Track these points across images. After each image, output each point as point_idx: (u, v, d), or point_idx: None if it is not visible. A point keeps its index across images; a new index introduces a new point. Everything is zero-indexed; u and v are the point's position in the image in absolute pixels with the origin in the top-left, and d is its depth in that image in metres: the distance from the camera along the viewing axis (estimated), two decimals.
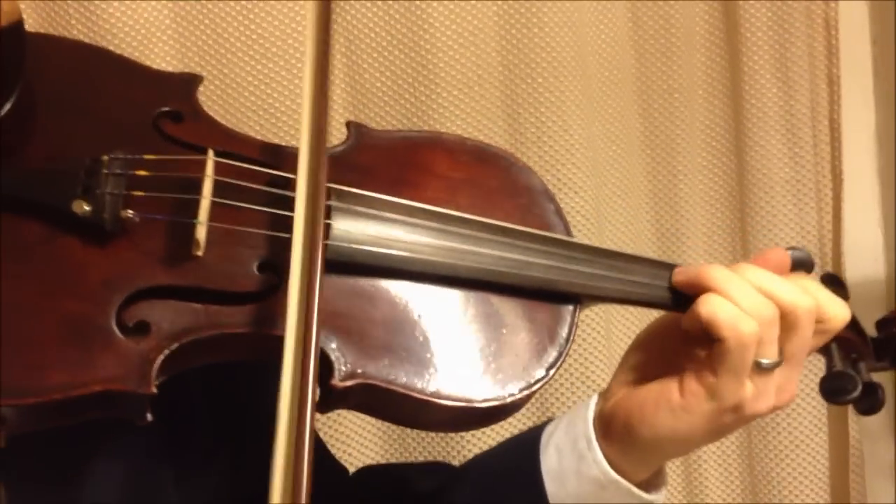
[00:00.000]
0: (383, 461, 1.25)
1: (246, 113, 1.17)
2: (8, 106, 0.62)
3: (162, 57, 1.12)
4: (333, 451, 1.03)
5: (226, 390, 0.78)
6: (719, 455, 1.41)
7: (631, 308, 1.30)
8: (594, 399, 0.76)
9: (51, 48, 0.74)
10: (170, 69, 1.07)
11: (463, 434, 1.24)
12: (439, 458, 1.26)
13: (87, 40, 1.07)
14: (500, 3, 1.23)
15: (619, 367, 0.77)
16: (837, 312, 0.72)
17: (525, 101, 1.24)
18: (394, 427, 1.25)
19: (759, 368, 0.68)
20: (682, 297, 0.72)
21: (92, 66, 0.73)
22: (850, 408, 1.36)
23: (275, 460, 0.54)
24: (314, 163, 0.62)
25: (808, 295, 0.69)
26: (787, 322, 0.69)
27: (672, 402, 0.70)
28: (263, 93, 1.17)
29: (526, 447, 0.77)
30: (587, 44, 1.27)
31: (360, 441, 1.24)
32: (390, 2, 1.20)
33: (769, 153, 1.35)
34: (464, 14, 1.21)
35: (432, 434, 1.26)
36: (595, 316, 1.27)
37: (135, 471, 0.73)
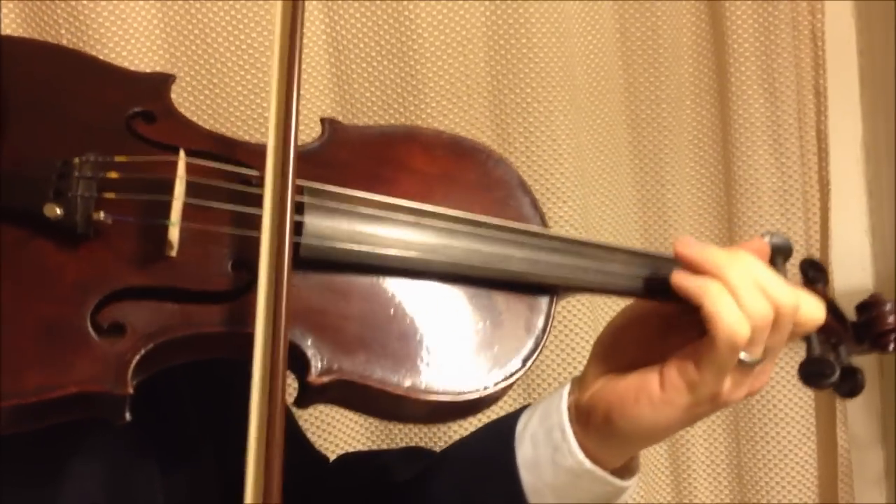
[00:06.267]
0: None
1: (232, 117, 1.17)
2: None
3: (150, 58, 1.12)
4: (318, 439, 1.03)
5: (209, 382, 0.78)
6: (708, 464, 1.41)
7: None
8: (567, 388, 0.76)
9: (19, 51, 0.74)
10: (158, 70, 1.07)
11: None
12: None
13: (73, 41, 1.08)
14: (488, 12, 1.23)
15: (592, 354, 0.77)
16: (813, 315, 0.72)
17: (513, 110, 1.24)
18: None
19: (742, 365, 0.69)
20: (659, 288, 0.72)
21: (62, 68, 0.73)
22: (839, 416, 1.38)
23: (247, 459, 0.54)
24: (282, 160, 0.62)
25: (794, 296, 0.70)
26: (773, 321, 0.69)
27: (653, 395, 0.70)
28: (251, 97, 1.17)
29: (501, 437, 0.77)
30: (575, 53, 1.28)
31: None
32: (377, 7, 1.20)
33: (756, 163, 1.35)
34: (451, 24, 1.22)
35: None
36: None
37: (114, 467, 0.72)
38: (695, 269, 0.70)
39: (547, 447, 0.74)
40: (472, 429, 1.20)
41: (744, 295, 0.67)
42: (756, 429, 1.38)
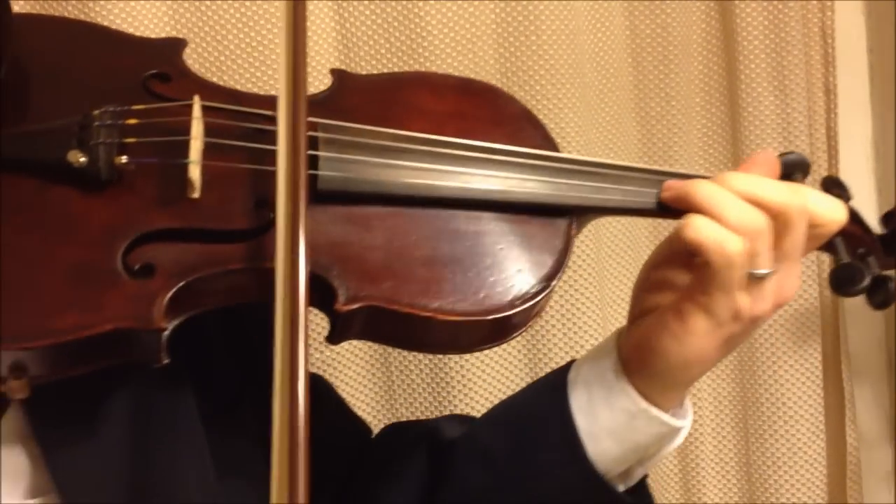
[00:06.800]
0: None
1: None
2: None
3: None
4: None
5: (248, 340, 0.80)
6: (717, 462, 1.41)
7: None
8: (616, 334, 0.77)
9: (36, 25, 0.77)
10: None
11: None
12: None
13: None
14: (497, 10, 1.23)
15: (630, 302, 0.77)
16: (833, 214, 0.71)
17: None
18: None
19: (753, 278, 0.68)
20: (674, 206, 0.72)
21: (79, 38, 0.76)
22: (848, 415, 1.38)
23: (274, 395, 0.55)
24: (294, 95, 0.63)
25: (797, 194, 0.68)
26: (779, 224, 0.68)
27: (672, 327, 0.70)
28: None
29: (553, 386, 0.78)
30: (584, 51, 1.28)
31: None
32: (387, 6, 1.21)
33: None
34: (461, 22, 1.22)
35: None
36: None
37: (155, 418, 0.74)
38: (681, 209, 0.70)
39: (601, 390, 0.74)
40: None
41: (722, 210, 0.67)
42: (765, 427, 1.38)
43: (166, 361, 0.64)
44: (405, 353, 1.27)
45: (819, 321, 1.39)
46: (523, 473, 0.77)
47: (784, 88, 1.34)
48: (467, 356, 1.25)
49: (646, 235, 1.37)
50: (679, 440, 0.77)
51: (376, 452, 0.88)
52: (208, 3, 1.15)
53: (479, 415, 1.22)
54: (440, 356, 1.26)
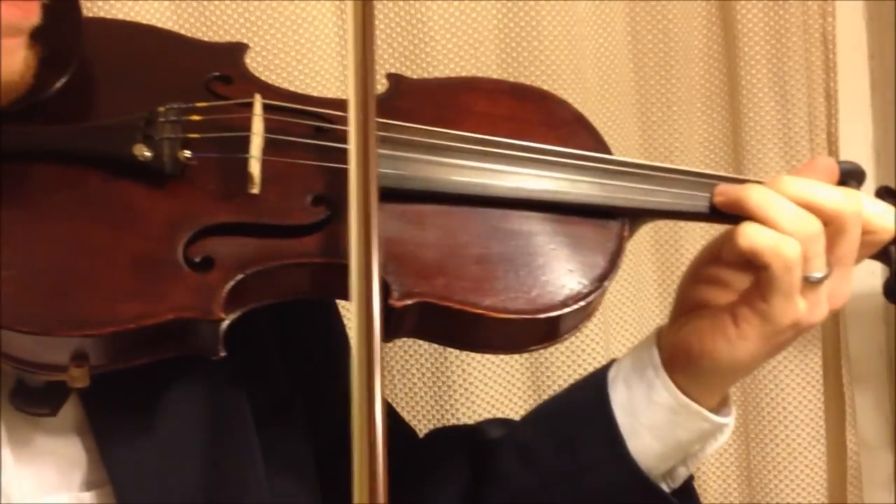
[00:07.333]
0: None
1: None
2: (65, 79, 0.67)
3: None
4: None
5: (299, 341, 0.81)
6: (718, 466, 1.42)
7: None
8: (656, 333, 0.77)
9: (105, 27, 0.80)
10: None
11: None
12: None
13: None
14: (500, 15, 1.24)
15: (675, 299, 0.78)
16: (887, 222, 0.72)
17: None
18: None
19: (809, 283, 0.68)
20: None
21: (145, 40, 0.79)
22: (848, 419, 1.38)
23: (353, 388, 0.56)
24: (364, 94, 0.64)
25: (851, 199, 0.69)
26: (832, 229, 0.68)
27: (727, 331, 0.70)
28: None
29: (593, 385, 0.78)
30: (586, 55, 1.28)
31: None
32: (389, 9, 1.21)
33: (767, 167, 1.35)
34: (463, 26, 1.22)
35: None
36: (594, 329, 1.28)
37: (212, 410, 0.75)
38: (736, 212, 0.70)
39: (641, 386, 0.75)
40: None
41: (775, 214, 0.67)
42: (766, 431, 1.38)
43: (223, 354, 0.65)
44: (406, 356, 1.27)
45: (819, 326, 1.39)
46: (565, 471, 0.78)
47: (785, 94, 1.35)
48: (469, 359, 1.25)
49: (648, 242, 1.37)
50: (723, 438, 0.77)
51: (420, 458, 0.88)
52: (211, 6, 1.15)
53: (480, 419, 1.23)
54: (441, 360, 1.26)
